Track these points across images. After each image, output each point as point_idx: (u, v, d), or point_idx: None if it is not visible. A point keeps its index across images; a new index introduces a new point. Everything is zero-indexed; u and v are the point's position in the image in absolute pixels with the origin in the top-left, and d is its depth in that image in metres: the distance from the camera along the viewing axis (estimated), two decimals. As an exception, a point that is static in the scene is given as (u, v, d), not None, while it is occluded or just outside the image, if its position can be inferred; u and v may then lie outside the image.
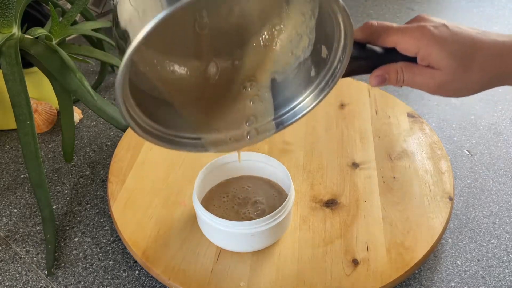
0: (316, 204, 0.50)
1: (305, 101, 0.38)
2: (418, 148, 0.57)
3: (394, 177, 0.53)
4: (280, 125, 0.39)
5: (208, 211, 0.43)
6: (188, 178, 0.54)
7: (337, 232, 0.47)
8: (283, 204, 0.43)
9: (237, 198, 0.48)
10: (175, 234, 0.47)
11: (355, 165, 0.55)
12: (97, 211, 0.56)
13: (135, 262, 0.50)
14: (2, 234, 0.54)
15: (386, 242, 0.46)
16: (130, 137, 0.60)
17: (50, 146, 0.67)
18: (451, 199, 0.50)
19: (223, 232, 0.43)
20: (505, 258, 0.49)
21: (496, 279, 0.47)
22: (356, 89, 0.68)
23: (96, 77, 0.81)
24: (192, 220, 0.49)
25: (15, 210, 0.57)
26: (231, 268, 0.44)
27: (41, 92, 0.69)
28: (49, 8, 0.61)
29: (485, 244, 0.51)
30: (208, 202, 0.48)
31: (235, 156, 0.49)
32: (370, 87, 0.68)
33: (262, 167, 0.50)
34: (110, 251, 0.51)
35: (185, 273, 0.43)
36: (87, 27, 0.70)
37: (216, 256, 0.45)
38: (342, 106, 0.65)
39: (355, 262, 0.44)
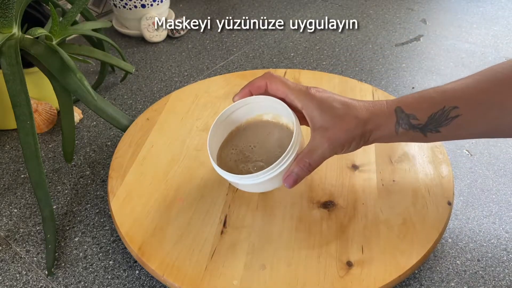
0: (313, 204, 0.50)
1: None
2: (419, 152, 0.57)
3: (394, 180, 0.53)
4: None
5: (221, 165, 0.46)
6: (186, 175, 0.54)
7: (333, 234, 0.47)
8: (292, 141, 0.43)
9: (243, 154, 0.48)
10: (172, 231, 0.48)
11: (354, 167, 0.55)
12: (97, 211, 0.56)
13: (135, 262, 0.50)
14: (2, 234, 0.54)
15: (381, 245, 0.46)
16: (132, 134, 0.61)
17: (50, 146, 0.67)
18: (450, 204, 0.50)
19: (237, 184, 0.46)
20: (505, 258, 0.49)
21: (496, 279, 0.47)
22: (359, 90, 0.68)
23: (96, 77, 0.81)
24: (189, 217, 0.49)
25: (15, 210, 0.57)
26: (225, 266, 0.44)
27: (41, 92, 0.70)
28: (49, 8, 0.61)
29: (485, 244, 0.51)
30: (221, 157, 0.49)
31: (239, 104, 0.48)
32: (373, 89, 0.68)
33: (268, 106, 0.49)
34: (110, 251, 0.51)
35: (180, 270, 0.44)
36: (87, 27, 0.70)
37: (210, 254, 0.45)
38: (342, 106, 0.64)
39: (349, 264, 0.44)
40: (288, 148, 0.43)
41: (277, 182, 0.45)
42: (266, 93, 0.48)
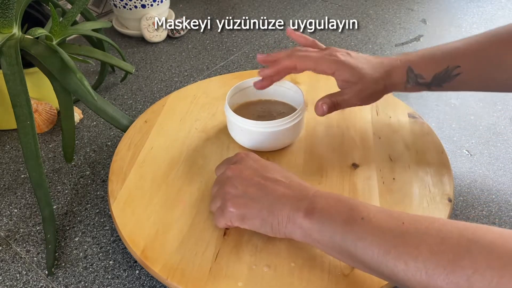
0: (316, 204, 0.50)
1: None
2: (419, 149, 0.57)
3: (394, 178, 0.53)
4: None
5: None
6: (187, 177, 0.54)
7: (337, 232, 0.47)
8: (294, 112, 0.53)
9: (257, 111, 0.59)
10: (174, 233, 0.47)
11: (355, 165, 0.55)
12: (97, 211, 0.56)
13: (135, 262, 0.50)
14: (2, 234, 0.54)
15: (385, 242, 0.46)
16: (131, 137, 0.60)
17: (50, 146, 0.68)
18: (450, 200, 0.50)
19: (247, 131, 0.54)
20: (505, 258, 0.49)
21: (496, 279, 0.47)
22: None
23: (96, 77, 0.81)
24: (191, 219, 0.49)
25: (16, 210, 0.57)
26: (229, 268, 0.44)
27: (42, 92, 0.70)
28: (49, 8, 0.61)
29: (484, 244, 0.51)
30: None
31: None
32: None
33: (280, 90, 0.60)
34: (110, 251, 0.51)
35: (183, 272, 0.44)
36: (87, 27, 0.70)
37: (214, 256, 0.45)
38: (342, 106, 0.65)
39: None
40: (295, 112, 0.53)
41: (279, 138, 0.55)
42: (295, 71, 0.54)
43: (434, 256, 0.31)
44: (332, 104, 0.50)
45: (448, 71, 0.49)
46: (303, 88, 0.69)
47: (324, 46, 0.55)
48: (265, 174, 0.44)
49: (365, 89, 0.50)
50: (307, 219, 0.39)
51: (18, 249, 0.52)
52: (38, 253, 0.52)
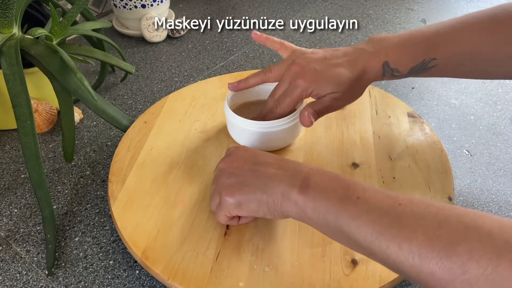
0: (316, 204, 0.50)
1: None
2: (418, 148, 0.57)
3: (394, 177, 0.53)
4: None
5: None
6: (187, 178, 0.54)
7: (337, 232, 0.47)
8: (295, 112, 0.53)
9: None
10: (175, 234, 0.47)
11: (355, 165, 0.55)
12: (97, 211, 0.56)
13: (135, 262, 0.50)
14: (2, 234, 0.54)
15: (385, 242, 0.46)
16: (130, 138, 0.60)
17: (50, 146, 0.68)
18: (450, 199, 0.50)
19: (247, 131, 0.54)
20: (505, 258, 0.49)
21: (496, 279, 0.47)
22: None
23: (97, 77, 0.81)
24: (191, 219, 0.49)
25: (16, 210, 0.57)
26: (230, 268, 0.44)
27: (42, 92, 0.70)
28: (49, 8, 0.61)
29: (484, 244, 0.51)
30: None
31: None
32: (370, 87, 0.68)
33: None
34: (110, 251, 0.51)
35: (185, 273, 0.44)
36: (87, 27, 0.70)
37: (215, 256, 0.45)
38: (342, 106, 0.65)
39: (354, 262, 0.44)
40: (295, 112, 0.53)
41: (279, 138, 0.55)
42: None
43: (429, 240, 0.30)
44: (316, 113, 0.50)
45: (424, 64, 0.49)
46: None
47: (292, 47, 0.55)
48: (256, 160, 0.44)
49: (343, 94, 0.50)
50: (302, 195, 0.38)
51: (18, 249, 0.52)
52: (38, 253, 0.52)
